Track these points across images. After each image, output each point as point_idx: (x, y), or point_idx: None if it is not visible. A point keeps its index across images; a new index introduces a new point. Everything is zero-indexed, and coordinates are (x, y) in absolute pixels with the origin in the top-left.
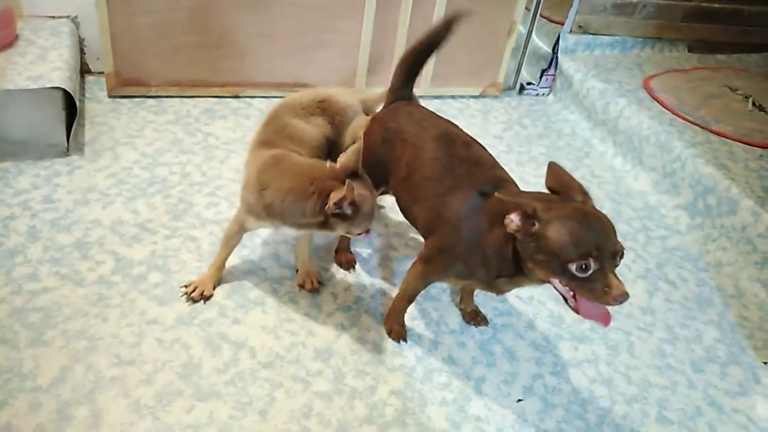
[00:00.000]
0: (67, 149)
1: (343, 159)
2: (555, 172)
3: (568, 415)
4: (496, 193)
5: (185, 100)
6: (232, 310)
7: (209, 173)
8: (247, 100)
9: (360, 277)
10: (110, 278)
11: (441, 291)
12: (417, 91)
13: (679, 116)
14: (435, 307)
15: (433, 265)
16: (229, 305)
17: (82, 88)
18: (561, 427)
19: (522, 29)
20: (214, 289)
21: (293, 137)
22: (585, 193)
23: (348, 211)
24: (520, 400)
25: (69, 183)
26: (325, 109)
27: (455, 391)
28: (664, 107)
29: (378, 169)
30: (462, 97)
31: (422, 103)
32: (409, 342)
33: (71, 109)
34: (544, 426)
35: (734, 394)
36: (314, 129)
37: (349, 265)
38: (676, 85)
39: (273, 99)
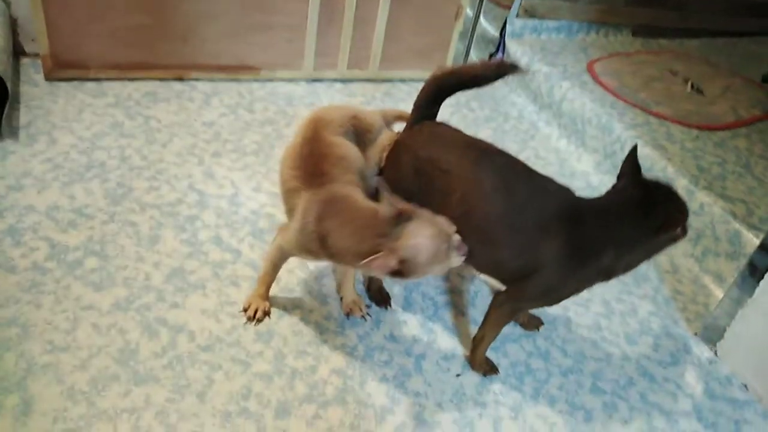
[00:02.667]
0: (0, 134)
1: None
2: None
3: (505, 388)
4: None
5: (126, 83)
6: (171, 294)
7: (150, 157)
8: (191, 82)
9: (305, 261)
10: (44, 264)
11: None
12: (363, 73)
13: (620, 99)
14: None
15: (526, 303)
16: (168, 289)
17: (17, 71)
18: (498, 399)
19: (470, 13)
20: (264, 312)
21: (342, 160)
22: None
23: (397, 268)
24: (458, 375)
25: (2, 168)
26: (356, 126)
27: (395, 368)
28: (606, 90)
29: (410, 201)
30: (411, 80)
31: (370, 85)
32: (350, 321)
33: (3, 92)
34: (482, 399)
35: (666, 364)
36: (355, 149)
37: (384, 302)
38: (619, 69)
39: (218, 82)
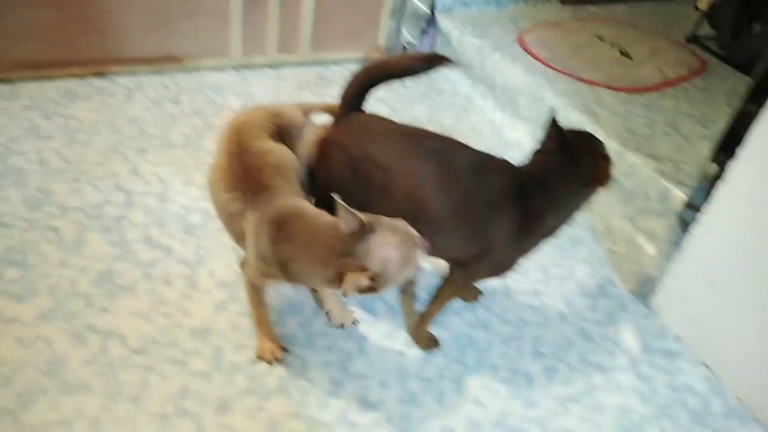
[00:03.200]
0: None
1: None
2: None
3: (447, 361)
4: None
5: (42, 82)
6: (100, 298)
7: (71, 158)
8: (112, 77)
9: (240, 252)
10: None
11: None
12: (294, 57)
13: (551, 67)
14: None
15: (479, 277)
16: (96, 294)
17: None
18: (441, 373)
19: None
20: (279, 348)
21: (280, 168)
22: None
23: (369, 286)
24: (401, 352)
25: None
26: (278, 125)
27: (338, 353)
28: (537, 60)
29: (349, 201)
30: (344, 61)
31: (302, 69)
32: (290, 310)
33: None
34: (425, 374)
35: (603, 323)
36: (288, 151)
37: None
38: (549, 38)
39: (140, 75)
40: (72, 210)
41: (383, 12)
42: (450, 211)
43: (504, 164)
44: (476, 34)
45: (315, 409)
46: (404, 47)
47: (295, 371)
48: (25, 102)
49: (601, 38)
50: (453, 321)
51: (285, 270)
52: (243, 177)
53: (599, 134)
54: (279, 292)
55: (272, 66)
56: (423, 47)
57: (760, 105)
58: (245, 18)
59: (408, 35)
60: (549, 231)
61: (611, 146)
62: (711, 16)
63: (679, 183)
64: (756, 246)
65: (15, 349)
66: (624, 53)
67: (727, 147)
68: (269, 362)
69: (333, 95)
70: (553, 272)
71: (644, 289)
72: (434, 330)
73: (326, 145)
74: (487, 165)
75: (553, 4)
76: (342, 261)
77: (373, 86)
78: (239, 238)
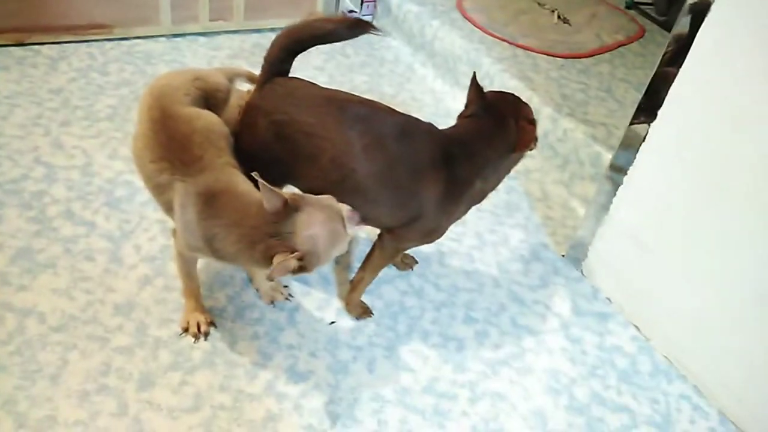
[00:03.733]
0: None
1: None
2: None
3: (379, 329)
4: None
5: None
6: (17, 276)
7: None
8: (35, 47)
9: (166, 225)
10: None
11: None
12: (229, 25)
13: (489, 34)
14: None
15: (410, 244)
16: (13, 272)
17: None
18: (372, 341)
19: None
20: (207, 322)
21: (209, 135)
22: None
23: (298, 266)
24: (332, 323)
25: None
26: (201, 89)
27: (267, 324)
28: (475, 26)
29: (275, 168)
30: (281, 29)
31: (237, 37)
32: (219, 282)
33: None
34: (356, 343)
35: (535, 287)
36: (214, 116)
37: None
38: (488, 4)
39: (65, 44)
40: None
41: None
42: (376, 177)
43: (430, 128)
44: (415, 1)
45: (242, 381)
46: (344, 14)
47: (222, 344)
48: None
49: (541, 4)
50: (386, 289)
51: (211, 247)
52: (170, 145)
53: (534, 100)
54: (209, 263)
55: (206, 34)
56: (364, 15)
57: (677, 66)
58: None
59: (348, 2)
60: (478, 196)
61: (546, 112)
62: None
63: (611, 147)
64: (680, 206)
65: None
66: (563, 19)
67: (648, 109)
68: (195, 336)
69: None
70: (487, 238)
71: (576, 253)
72: (367, 299)
73: (249, 110)
74: (413, 130)
75: None
76: (269, 242)
77: (297, 50)
78: (168, 209)
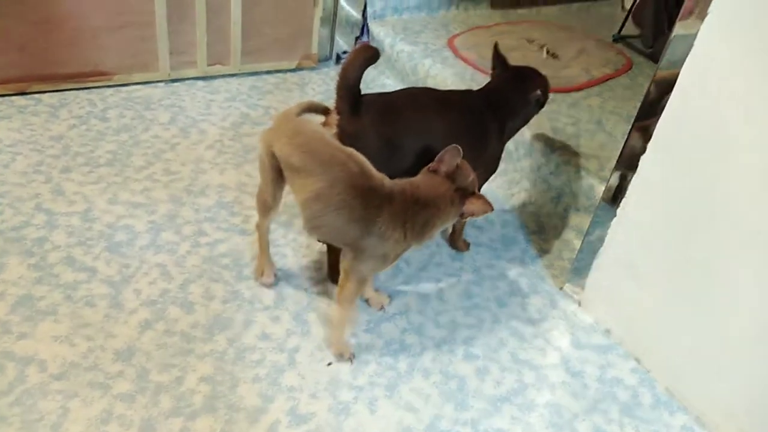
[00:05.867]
0: None
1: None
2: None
3: (379, 368)
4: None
5: None
6: (18, 324)
7: None
8: (36, 96)
9: (166, 268)
10: None
11: (245, 271)
12: (226, 69)
13: (480, 70)
14: (248, 287)
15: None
16: (13, 320)
17: None
18: (373, 381)
19: None
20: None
21: (363, 163)
22: None
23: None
24: (329, 364)
25: None
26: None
27: (268, 366)
28: (467, 63)
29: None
30: (278, 71)
31: (235, 80)
32: (219, 326)
33: None
34: (357, 383)
35: (534, 321)
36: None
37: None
38: (478, 42)
39: (66, 92)
40: None
41: (314, 20)
42: (459, 134)
43: (474, 92)
44: (408, 41)
45: (243, 425)
46: (338, 56)
47: (223, 388)
48: None
49: (529, 40)
50: (386, 327)
51: (421, 236)
52: (358, 186)
53: (525, 134)
54: (206, 306)
55: (204, 78)
56: None
57: (664, 95)
58: (172, 31)
59: (343, 44)
60: (511, 133)
61: (537, 146)
62: (635, 14)
63: (603, 179)
64: (671, 238)
65: None
66: (552, 54)
67: (637, 141)
68: (349, 359)
69: (266, 105)
70: (485, 273)
71: (573, 285)
72: (367, 337)
73: (350, 133)
74: (466, 96)
75: (483, 9)
76: (456, 195)
77: (362, 74)
78: (353, 243)
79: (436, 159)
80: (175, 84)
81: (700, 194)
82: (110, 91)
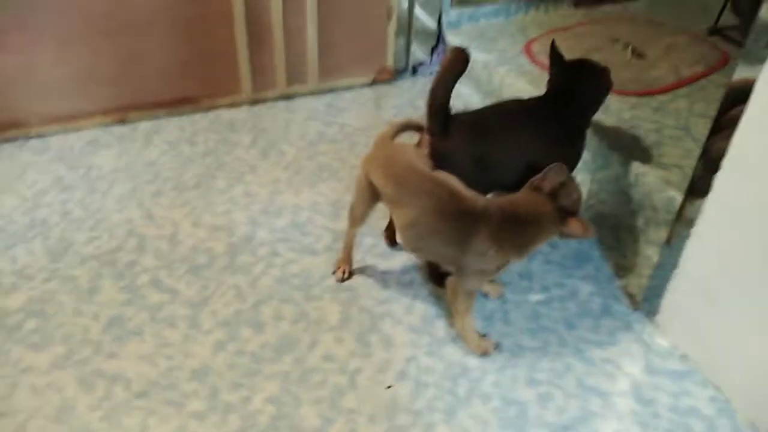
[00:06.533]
0: None
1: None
2: None
3: (439, 392)
4: None
5: (69, 134)
6: (109, 344)
7: (91, 207)
8: (133, 124)
9: (241, 289)
10: None
11: (313, 291)
12: (305, 87)
13: None
14: (315, 307)
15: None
16: (105, 340)
17: None
18: (432, 405)
19: (404, 6)
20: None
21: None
22: None
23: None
24: (389, 387)
25: None
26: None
27: (329, 388)
28: (544, 69)
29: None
30: (354, 87)
31: (313, 98)
32: (286, 347)
33: None
34: (415, 407)
35: (604, 344)
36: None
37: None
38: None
39: (160, 119)
40: (89, 258)
41: (389, 33)
42: (542, 145)
43: (550, 97)
44: (483, 48)
45: None
46: (414, 67)
47: (287, 409)
48: (52, 155)
49: (614, 40)
50: (447, 349)
51: (521, 252)
52: (448, 211)
53: (603, 145)
54: (275, 326)
55: (284, 98)
56: (434, 65)
57: (739, 110)
58: (252, 55)
59: (420, 55)
60: (585, 125)
61: (615, 158)
62: (734, 2)
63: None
64: (749, 261)
65: (29, 397)
66: (637, 54)
67: (711, 158)
68: (486, 352)
69: (342, 122)
70: (554, 293)
71: (650, 306)
72: (431, 361)
73: (443, 152)
74: (537, 106)
75: (564, 8)
76: (559, 213)
77: (451, 91)
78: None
79: (540, 175)
80: (257, 105)
81: None
82: (198, 116)
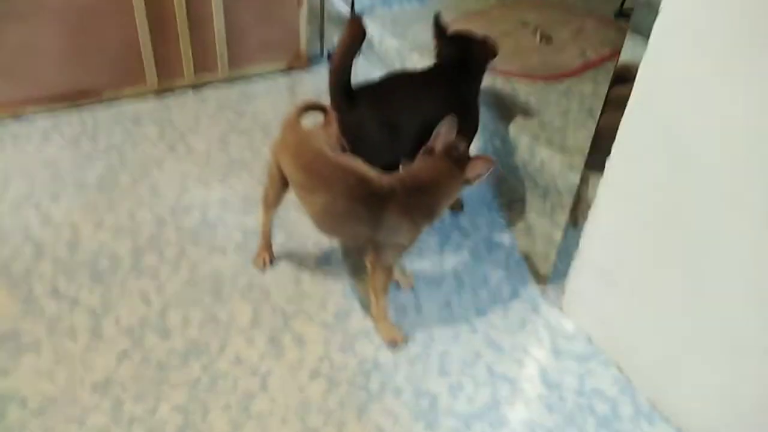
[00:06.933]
0: None
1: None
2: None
3: (351, 389)
4: None
5: None
6: (2, 360)
7: None
8: (29, 118)
9: (146, 294)
10: None
11: (223, 292)
12: (214, 76)
13: None
14: (225, 309)
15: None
16: None
17: None
18: (343, 402)
19: None
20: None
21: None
22: None
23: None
24: (303, 387)
25: None
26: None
27: (240, 393)
28: None
29: (387, 156)
30: (267, 74)
31: (224, 87)
32: (194, 352)
33: None
34: (327, 406)
35: (514, 330)
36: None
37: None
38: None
39: (59, 114)
40: None
41: (301, 19)
42: (439, 107)
43: (441, 67)
44: (396, 34)
45: None
46: (329, 53)
47: (195, 417)
48: None
49: (524, 24)
50: (360, 345)
51: (430, 217)
52: (357, 195)
53: (511, 130)
54: (183, 332)
55: (193, 87)
56: None
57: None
58: (156, 43)
59: (334, 39)
60: (474, 91)
61: (524, 142)
62: None
63: None
64: (642, 242)
65: None
66: (545, 38)
67: (602, 140)
68: (394, 342)
69: (255, 110)
70: (466, 281)
71: (556, 290)
72: (343, 357)
73: (350, 122)
74: (430, 74)
75: None
76: (457, 164)
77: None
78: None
79: (433, 135)
80: (164, 96)
81: (668, 197)
82: (101, 108)
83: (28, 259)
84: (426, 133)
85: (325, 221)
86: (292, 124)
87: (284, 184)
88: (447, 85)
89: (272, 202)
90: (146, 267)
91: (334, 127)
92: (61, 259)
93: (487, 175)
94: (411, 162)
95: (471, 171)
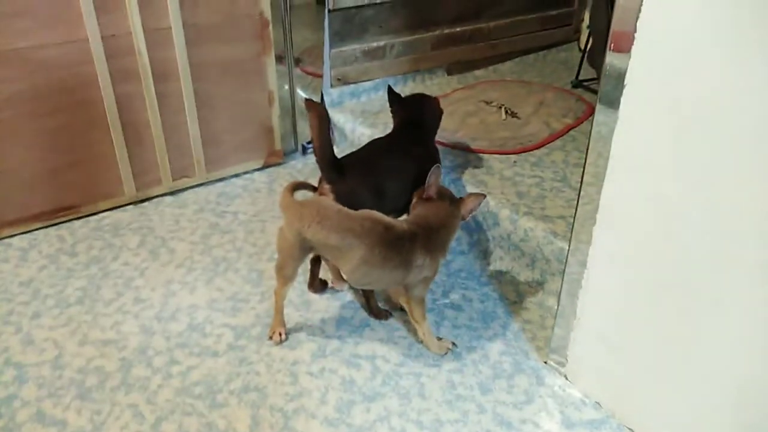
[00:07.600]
0: None
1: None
2: None
3: None
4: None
5: None
6: None
7: None
8: (6, 241)
9: (138, 408)
10: None
11: (218, 397)
12: (192, 180)
13: (440, 144)
14: (221, 415)
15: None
16: None
17: None
18: None
19: (286, 89)
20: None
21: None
22: None
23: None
24: None
25: None
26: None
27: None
28: None
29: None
30: (245, 173)
31: (203, 190)
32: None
33: None
34: None
35: (521, 404)
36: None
37: (385, 314)
38: None
39: (37, 232)
40: None
41: (273, 118)
42: (412, 163)
43: (402, 131)
44: (366, 123)
45: None
46: (303, 147)
47: None
48: None
49: (487, 102)
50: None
51: (444, 252)
52: (388, 240)
53: (491, 204)
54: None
55: (171, 193)
56: None
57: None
58: (132, 155)
59: (306, 133)
60: (432, 143)
61: (504, 214)
62: (589, 55)
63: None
64: (636, 307)
65: None
66: (510, 113)
67: (586, 209)
68: (450, 349)
69: (235, 210)
70: (466, 358)
71: (558, 358)
72: None
73: (342, 189)
74: (396, 136)
75: (440, 77)
76: (453, 205)
77: (330, 138)
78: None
79: (426, 185)
80: (143, 204)
81: (659, 257)
82: (79, 223)
83: (10, 384)
84: (409, 189)
85: (365, 273)
86: (290, 202)
87: (303, 254)
88: (413, 144)
89: (290, 275)
90: (135, 379)
91: (330, 198)
92: (46, 380)
93: (478, 208)
94: (401, 213)
95: (464, 208)
